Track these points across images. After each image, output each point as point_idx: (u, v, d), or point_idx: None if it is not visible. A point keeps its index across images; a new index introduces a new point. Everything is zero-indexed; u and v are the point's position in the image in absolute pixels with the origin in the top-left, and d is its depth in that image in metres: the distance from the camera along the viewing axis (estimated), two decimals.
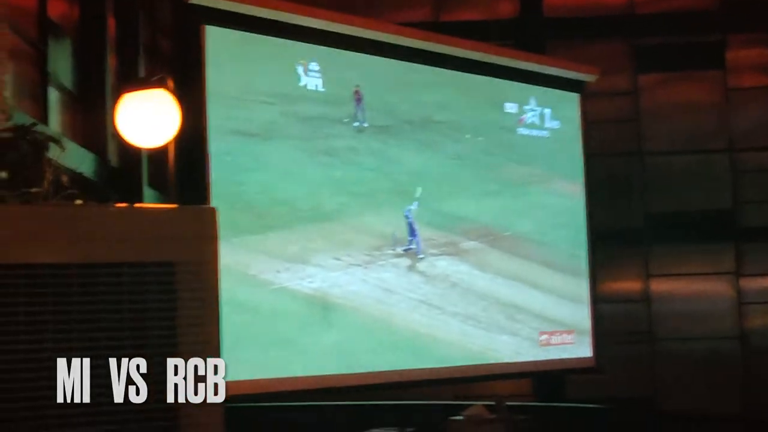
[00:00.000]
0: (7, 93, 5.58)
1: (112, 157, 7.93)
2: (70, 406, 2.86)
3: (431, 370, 8.75)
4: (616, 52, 12.70)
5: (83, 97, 7.74)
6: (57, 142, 3.43)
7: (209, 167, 7.47)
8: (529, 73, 10.11)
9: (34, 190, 3.27)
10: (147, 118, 5.79)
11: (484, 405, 8.19)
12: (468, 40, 9.87)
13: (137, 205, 3.14)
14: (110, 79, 7.92)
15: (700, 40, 12.66)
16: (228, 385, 6.70)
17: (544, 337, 9.83)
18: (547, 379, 11.26)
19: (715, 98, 12.62)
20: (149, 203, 7.11)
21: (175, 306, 3.04)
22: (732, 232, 12.43)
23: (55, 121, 7.13)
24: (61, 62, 7.53)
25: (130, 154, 7.64)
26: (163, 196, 7.31)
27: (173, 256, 3.05)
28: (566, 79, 10.45)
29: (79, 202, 3.30)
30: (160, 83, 5.78)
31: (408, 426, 8.05)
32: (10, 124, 3.46)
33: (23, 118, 4.23)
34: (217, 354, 3.16)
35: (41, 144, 3.36)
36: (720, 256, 12.50)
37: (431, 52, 9.28)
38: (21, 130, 3.35)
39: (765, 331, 12.35)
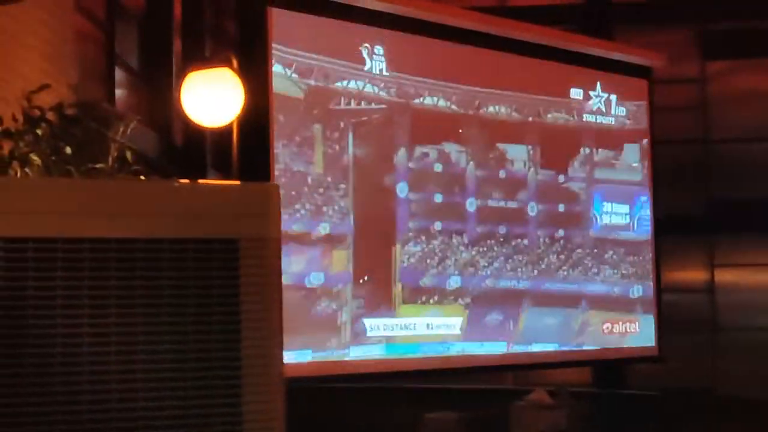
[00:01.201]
0: (73, 71, 5.63)
1: (177, 138, 8.00)
2: (131, 381, 2.87)
3: (491, 357, 8.71)
4: (684, 39, 12.54)
5: (149, 78, 7.83)
6: (121, 119, 3.45)
7: (273, 148, 7.48)
8: (596, 59, 10.01)
9: (98, 165, 3.29)
10: (211, 97, 5.82)
11: (546, 390, 8.15)
12: (534, 25, 9.79)
13: (200, 181, 3.13)
14: (175, 60, 7.99)
15: None
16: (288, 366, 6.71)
17: (607, 325, 9.74)
18: (608, 368, 11.17)
19: None
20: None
21: (237, 283, 3.04)
22: None
23: (121, 101, 7.21)
24: (128, 44, 7.61)
25: (194, 134, 7.71)
26: (227, 176, 7.35)
27: (237, 232, 3.05)
28: (633, 65, 10.33)
29: (142, 178, 3.32)
30: (224, 62, 5.80)
31: (468, 411, 8.04)
32: (76, 101, 3.48)
33: (89, 96, 4.27)
34: (279, 332, 3.16)
35: (106, 121, 3.38)
36: None
37: (497, 37, 9.21)
38: (86, 107, 3.38)
39: None
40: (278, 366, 3.11)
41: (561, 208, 8.63)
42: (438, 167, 8.19)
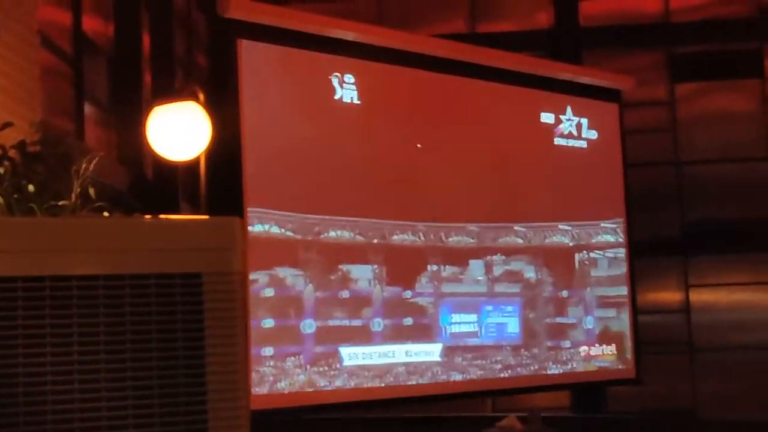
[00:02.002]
0: (40, 108, 5.63)
1: (148, 172, 7.99)
2: (95, 419, 2.86)
3: (468, 382, 8.71)
4: (653, 61, 12.65)
5: (119, 112, 7.82)
6: (86, 154, 3.44)
7: (245, 181, 7.47)
8: (566, 83, 10.07)
9: (61, 202, 3.28)
10: (178, 130, 5.82)
11: (517, 416, 8.13)
12: (504, 51, 9.85)
13: (162, 216, 3.13)
14: (145, 94, 7.99)
15: (737, 48, 12.58)
16: (261, 398, 6.66)
17: (584, 348, 9.75)
18: (586, 391, 11.19)
19: (754, 107, 12.52)
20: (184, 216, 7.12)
21: (201, 318, 3.04)
22: None
23: (91, 136, 7.20)
24: (97, 78, 7.60)
25: (165, 168, 7.70)
26: (198, 211, 7.34)
27: (200, 267, 3.05)
28: (603, 88, 10.39)
29: (106, 214, 3.32)
30: (190, 96, 5.80)
31: None
32: (39, 138, 3.47)
33: (53, 132, 4.26)
34: (245, 366, 3.15)
35: (69, 157, 3.37)
36: (760, 265, 12.39)
37: (467, 64, 9.26)
38: (49, 143, 3.37)
39: None
40: (244, 400, 3.11)
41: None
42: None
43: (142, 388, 2.95)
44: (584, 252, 9.36)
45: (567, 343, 9.09)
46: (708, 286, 12.41)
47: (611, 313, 9.92)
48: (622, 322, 9.88)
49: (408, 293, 8.15)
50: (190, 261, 3.05)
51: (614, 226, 10.12)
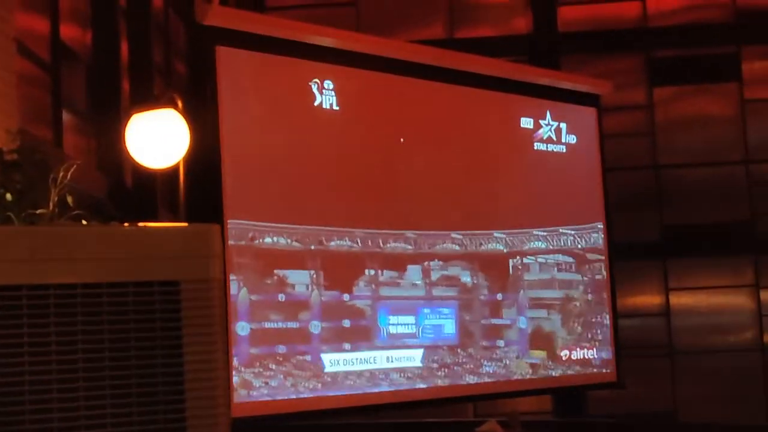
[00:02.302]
0: (18, 116, 5.60)
1: (128, 179, 7.97)
2: (73, 429, 2.85)
3: (449, 387, 8.71)
4: (631, 66, 12.71)
5: (97, 120, 7.79)
6: (63, 162, 3.43)
7: (224, 188, 7.46)
8: (544, 88, 10.09)
9: (39, 211, 3.27)
10: (156, 138, 5.80)
11: (498, 421, 8.15)
12: (482, 56, 9.87)
13: (140, 224, 3.13)
14: (123, 101, 7.98)
15: (715, 52, 12.65)
16: (243, 405, 6.65)
17: (565, 352, 9.77)
18: (567, 395, 11.21)
19: (731, 110, 12.60)
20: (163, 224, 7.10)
21: (180, 325, 3.04)
22: (751, 244, 12.37)
23: (69, 144, 7.17)
24: (75, 86, 7.58)
25: (144, 175, 7.68)
26: (177, 218, 7.33)
27: (178, 274, 3.05)
28: (581, 93, 10.42)
29: (84, 222, 3.31)
30: (168, 103, 5.79)
31: None
32: (16, 146, 3.46)
33: (30, 140, 4.25)
34: (224, 372, 3.15)
35: (47, 165, 3.36)
36: (739, 268, 12.45)
37: (446, 69, 9.27)
38: (26, 152, 3.36)
39: None
40: (223, 407, 3.11)
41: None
42: None
43: (120, 396, 2.94)
44: (518, 257, 9.37)
45: (501, 342, 9.10)
46: (687, 289, 12.46)
47: (543, 313, 9.85)
48: (553, 323, 9.80)
49: (346, 296, 8.16)
50: (168, 268, 3.04)
51: (587, 230, 10.15)
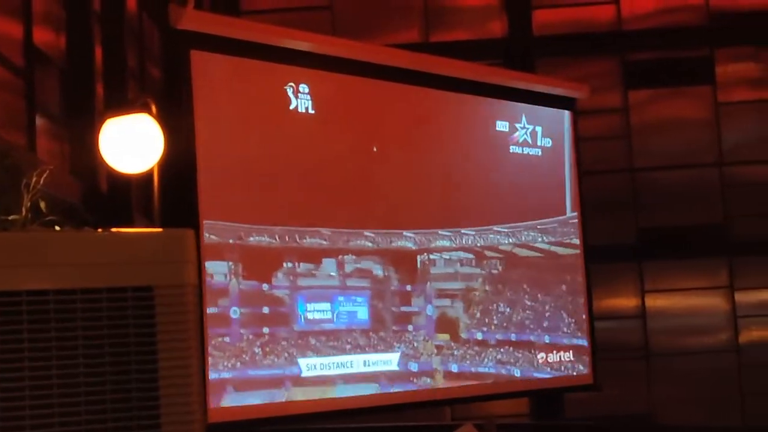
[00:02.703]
0: None
1: (102, 185, 7.92)
2: None
3: (425, 391, 8.72)
4: (606, 69, 12.75)
5: (71, 125, 7.74)
6: (36, 167, 3.41)
7: (199, 193, 7.45)
8: (520, 92, 10.12)
9: (11, 217, 3.25)
10: (130, 143, 5.78)
11: (473, 424, 8.14)
12: (458, 60, 9.89)
13: (114, 229, 3.11)
14: (98, 106, 7.93)
15: (689, 56, 12.71)
16: (219, 411, 6.63)
17: (542, 355, 9.80)
18: (544, 398, 11.23)
19: (705, 113, 12.67)
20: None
21: (154, 330, 3.02)
22: (725, 247, 12.44)
23: (43, 149, 7.12)
24: (49, 90, 7.53)
25: (119, 181, 7.64)
26: (152, 223, 7.30)
27: (152, 280, 3.04)
28: (557, 96, 10.45)
29: (57, 228, 3.29)
30: (143, 107, 5.76)
31: None
32: None
33: (2, 145, 4.22)
34: (199, 378, 3.14)
35: (19, 170, 3.34)
36: (714, 270, 12.51)
37: (421, 73, 9.28)
38: None
39: (760, 343, 12.35)
40: (197, 412, 3.09)
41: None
42: None
43: (95, 403, 2.93)
44: (425, 254, 9.40)
45: (410, 327, 9.15)
46: (663, 291, 12.51)
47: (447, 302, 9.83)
48: (456, 310, 9.77)
49: (265, 286, 8.19)
50: (142, 274, 3.03)
51: (560, 231, 10.19)
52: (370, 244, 8.95)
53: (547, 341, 9.86)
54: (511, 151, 9.94)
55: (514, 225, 9.82)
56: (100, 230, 3.15)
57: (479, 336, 9.46)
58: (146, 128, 5.78)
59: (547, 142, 10.28)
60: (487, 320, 9.59)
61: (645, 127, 12.60)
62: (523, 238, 9.90)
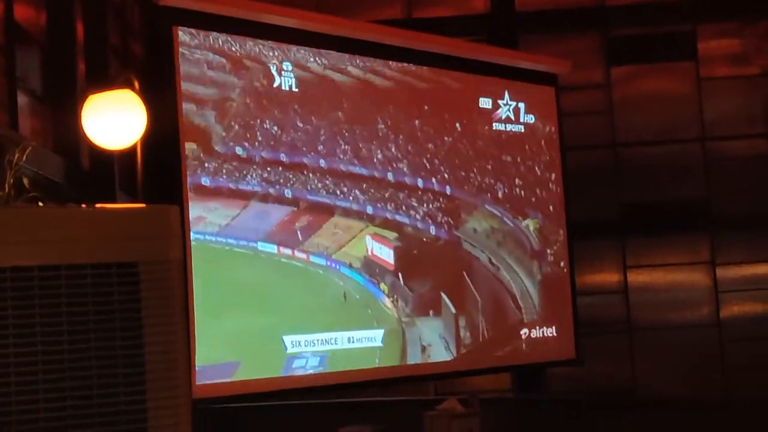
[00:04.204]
0: None
1: (85, 161, 7.91)
2: (32, 411, 2.84)
3: (408, 366, 8.76)
4: (588, 45, 12.75)
5: (53, 102, 7.72)
6: (18, 144, 3.41)
7: (185, 170, 7.43)
8: (503, 68, 10.11)
9: None
10: (113, 119, 5.76)
11: (458, 399, 8.19)
12: (441, 36, 9.87)
13: (98, 205, 3.11)
14: (80, 83, 7.90)
15: (671, 31, 12.72)
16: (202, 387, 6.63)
17: (524, 330, 9.84)
18: (527, 373, 11.29)
19: (688, 89, 12.68)
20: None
21: (139, 306, 3.03)
22: (707, 222, 12.50)
23: (26, 126, 7.10)
24: (30, 67, 7.50)
25: (101, 157, 7.62)
26: (135, 199, 7.29)
27: (136, 256, 3.04)
28: (539, 72, 10.45)
29: (40, 204, 3.29)
30: (125, 84, 5.75)
31: (383, 422, 8.05)
32: None
33: None
34: (184, 354, 3.15)
35: (2, 147, 3.34)
36: (696, 245, 12.57)
37: (404, 49, 9.27)
38: None
39: (741, 318, 12.44)
40: (184, 388, 3.11)
41: None
42: None
43: (80, 378, 2.93)
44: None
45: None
46: (645, 266, 12.56)
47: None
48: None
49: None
50: (127, 250, 3.03)
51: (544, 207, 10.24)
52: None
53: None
54: (494, 128, 9.95)
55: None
56: (84, 206, 3.15)
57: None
58: (129, 104, 5.77)
59: (530, 119, 10.29)
60: None
61: (627, 102, 12.62)
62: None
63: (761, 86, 12.74)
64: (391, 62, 9.10)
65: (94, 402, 2.96)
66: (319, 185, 8.43)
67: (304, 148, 8.35)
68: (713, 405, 10.80)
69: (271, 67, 8.21)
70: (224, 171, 7.75)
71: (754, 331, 12.29)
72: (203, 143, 7.63)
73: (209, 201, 7.61)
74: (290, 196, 8.22)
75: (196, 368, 7.21)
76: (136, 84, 5.86)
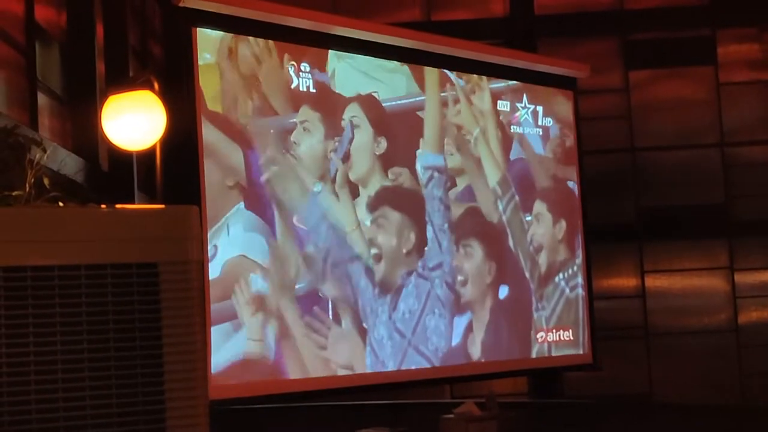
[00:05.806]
0: None
1: (104, 161, 7.93)
2: (52, 411, 2.84)
3: (427, 369, 8.74)
4: (607, 49, 12.73)
5: (73, 102, 7.74)
6: (39, 144, 3.42)
7: (203, 169, 7.44)
8: (521, 71, 10.10)
9: (15, 193, 3.26)
10: (133, 120, 5.77)
11: (475, 402, 8.17)
12: (460, 39, 9.86)
13: (118, 206, 3.11)
14: (99, 83, 7.92)
15: (690, 36, 12.68)
16: (220, 387, 6.65)
17: (541, 334, 9.81)
18: (543, 377, 11.26)
19: (706, 93, 12.64)
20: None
21: (159, 307, 3.02)
22: (725, 227, 12.45)
23: (45, 127, 7.13)
24: (50, 68, 7.52)
25: (121, 157, 7.65)
26: (154, 200, 7.31)
27: (156, 256, 3.03)
28: (558, 76, 10.44)
29: (60, 204, 3.29)
30: (145, 85, 5.76)
31: (401, 425, 8.04)
32: None
33: (5, 122, 4.22)
34: (203, 355, 3.14)
35: (22, 147, 3.35)
36: (714, 250, 12.52)
37: (423, 52, 9.27)
38: (2, 134, 3.34)
39: (759, 324, 12.38)
40: (202, 388, 3.10)
41: None
42: None
43: (99, 378, 2.93)
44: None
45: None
46: (663, 271, 12.52)
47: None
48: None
49: None
50: (147, 251, 3.02)
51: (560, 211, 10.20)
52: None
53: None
54: (512, 130, 9.93)
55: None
56: (103, 207, 3.15)
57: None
58: (149, 105, 5.77)
59: (548, 122, 10.27)
60: None
61: (645, 107, 12.58)
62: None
63: None
64: None
65: (113, 401, 2.96)
66: None
67: None
68: (730, 410, 10.75)
69: (289, 68, 8.21)
70: None
71: None
72: None
73: None
74: None
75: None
76: (156, 85, 5.87)
